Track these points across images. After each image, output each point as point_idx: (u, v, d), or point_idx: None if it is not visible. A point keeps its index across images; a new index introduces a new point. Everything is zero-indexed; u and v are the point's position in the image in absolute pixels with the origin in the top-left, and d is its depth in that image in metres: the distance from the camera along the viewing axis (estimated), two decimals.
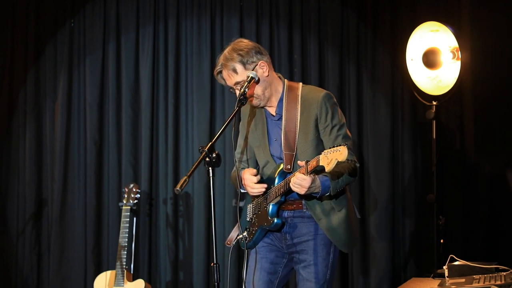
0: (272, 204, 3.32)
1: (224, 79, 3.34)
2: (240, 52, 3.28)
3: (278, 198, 3.30)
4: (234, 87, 3.31)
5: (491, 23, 4.54)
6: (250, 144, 3.48)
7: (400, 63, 4.87)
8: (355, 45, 5.18)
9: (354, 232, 3.38)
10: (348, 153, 3.00)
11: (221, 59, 3.31)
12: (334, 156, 2.96)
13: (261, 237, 3.40)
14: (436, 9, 4.90)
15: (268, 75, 3.32)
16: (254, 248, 3.43)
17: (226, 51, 3.31)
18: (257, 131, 3.43)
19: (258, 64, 3.29)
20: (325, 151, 3.03)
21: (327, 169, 2.99)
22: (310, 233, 3.33)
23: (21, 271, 5.54)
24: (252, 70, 3.26)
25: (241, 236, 3.46)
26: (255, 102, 3.32)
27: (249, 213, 3.46)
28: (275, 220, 3.31)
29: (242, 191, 3.47)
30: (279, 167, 3.34)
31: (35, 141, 5.60)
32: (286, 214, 3.35)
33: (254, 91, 3.29)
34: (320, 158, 3.03)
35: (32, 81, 5.64)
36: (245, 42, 3.33)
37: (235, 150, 3.52)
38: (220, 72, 3.33)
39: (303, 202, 3.32)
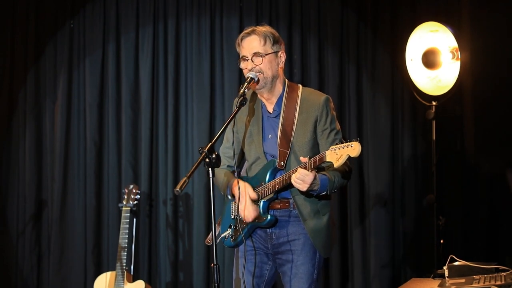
0: (264, 201, 3.34)
1: (244, 46, 3.41)
2: (275, 33, 3.44)
3: (271, 195, 3.33)
4: (249, 56, 3.37)
5: (491, 23, 4.54)
6: (240, 141, 3.51)
7: (400, 63, 4.87)
8: (355, 45, 5.19)
9: (332, 238, 3.44)
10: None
11: (253, 27, 3.44)
12: (345, 151, 3.03)
13: (249, 234, 3.41)
14: (435, 9, 4.91)
15: (282, 67, 3.46)
16: (241, 253, 3.44)
17: (261, 26, 3.45)
18: (252, 127, 3.46)
19: (282, 51, 3.45)
20: (332, 147, 3.09)
21: (336, 165, 3.06)
22: (296, 233, 3.37)
23: (21, 271, 5.55)
24: (276, 52, 3.39)
25: (225, 234, 3.48)
26: (260, 83, 3.36)
27: (234, 210, 3.47)
28: (269, 217, 3.33)
29: (229, 197, 3.50)
30: (271, 163, 3.36)
31: (35, 141, 5.61)
32: (272, 213, 3.37)
33: (266, 72, 3.37)
34: (326, 154, 3.09)
35: (32, 81, 5.65)
36: None
37: (223, 144, 3.60)
38: (248, 35, 3.40)
39: (290, 201, 3.36)
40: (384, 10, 5.14)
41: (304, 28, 5.27)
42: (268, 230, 3.41)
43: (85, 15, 5.62)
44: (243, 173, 3.55)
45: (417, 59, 4.69)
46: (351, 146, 3.04)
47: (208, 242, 3.61)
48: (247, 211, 3.35)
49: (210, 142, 3.05)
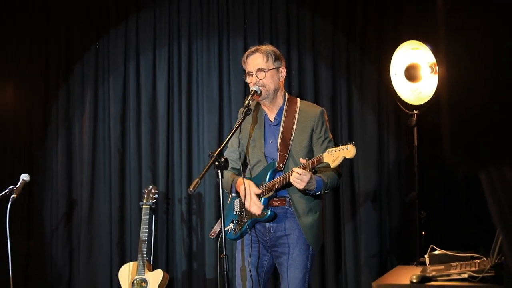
0: (264, 198, 3.36)
1: (249, 63, 3.42)
2: (276, 51, 3.47)
3: (271, 193, 3.34)
4: (253, 71, 3.39)
5: (464, 41, 4.53)
6: (243, 145, 3.52)
7: (385, 77, 4.87)
8: (345, 62, 5.20)
9: (322, 233, 3.47)
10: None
11: (257, 46, 3.47)
12: (342, 153, 3.04)
13: (249, 228, 3.42)
14: (416, 29, 4.91)
15: (282, 81, 3.47)
16: (242, 245, 3.45)
17: (264, 45, 3.47)
18: (255, 133, 3.48)
19: (283, 67, 3.46)
20: (329, 149, 3.10)
21: (332, 165, 3.07)
22: (292, 228, 3.37)
23: (55, 264, 5.57)
24: (278, 68, 3.41)
25: (227, 228, 3.49)
26: (262, 95, 3.37)
27: (236, 207, 3.48)
28: (269, 212, 3.35)
29: (233, 194, 3.52)
30: (271, 165, 3.38)
31: (66, 149, 5.64)
32: (270, 209, 3.38)
33: (268, 85, 3.37)
34: (323, 156, 3.09)
35: (63, 97, 5.69)
36: None
37: (227, 149, 3.61)
38: (253, 53, 3.41)
39: (287, 199, 3.37)
40: (370, 31, 5.15)
41: (301, 47, 5.29)
42: (266, 225, 3.41)
43: (109, 38, 5.66)
44: (245, 174, 3.57)
45: (400, 73, 4.69)
46: (347, 149, 3.05)
47: (212, 236, 3.61)
48: (254, 207, 3.36)
49: (219, 147, 3.07)
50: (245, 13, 5.42)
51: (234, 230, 3.47)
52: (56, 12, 5.73)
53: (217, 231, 3.55)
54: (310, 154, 3.37)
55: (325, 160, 3.10)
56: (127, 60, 5.62)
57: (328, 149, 3.11)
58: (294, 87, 5.23)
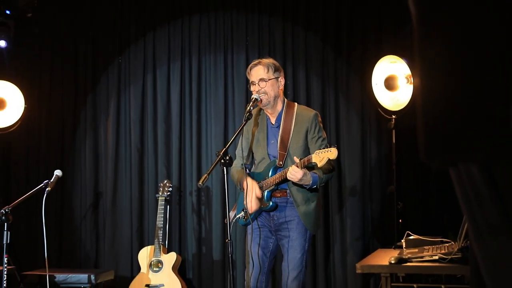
0: (267, 191, 3.39)
1: (252, 74, 3.43)
2: (276, 63, 3.49)
3: (273, 187, 3.37)
4: (256, 81, 3.40)
5: (435, 55, 4.54)
6: (249, 145, 3.55)
7: (367, 87, 4.89)
8: (333, 73, 5.21)
9: (319, 219, 3.49)
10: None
11: (259, 59, 3.49)
12: (326, 155, 3.08)
13: (256, 216, 3.45)
14: (394, 46, 4.91)
15: (282, 89, 3.49)
16: (251, 230, 3.48)
17: (266, 58, 3.49)
18: (259, 134, 3.51)
19: (281, 77, 3.48)
20: (317, 151, 3.13)
21: (319, 165, 3.11)
22: (292, 215, 3.41)
23: (84, 247, 5.58)
24: (277, 78, 3.43)
25: (238, 215, 3.53)
26: (264, 101, 3.38)
27: (245, 198, 3.51)
28: (271, 203, 3.38)
29: (239, 189, 3.55)
30: (272, 163, 3.41)
31: (93, 148, 5.65)
32: (273, 200, 3.41)
33: (269, 93, 3.38)
34: (312, 157, 3.13)
35: (90, 103, 5.70)
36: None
37: (236, 148, 3.63)
38: (255, 65, 3.43)
39: (288, 191, 3.39)
40: (355, 47, 5.16)
41: (295, 61, 5.30)
42: (270, 212, 3.44)
43: (130, 53, 5.66)
44: (252, 169, 3.60)
45: (381, 83, 4.71)
46: (330, 151, 3.09)
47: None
48: (253, 203, 3.39)
49: (224, 147, 3.08)
50: (247, 31, 5.43)
51: (244, 218, 3.50)
52: (83, 29, 5.73)
53: (231, 217, 3.59)
54: (306, 152, 3.40)
55: (313, 160, 3.15)
56: (145, 72, 5.63)
57: (316, 151, 3.16)
58: (289, 95, 5.23)
